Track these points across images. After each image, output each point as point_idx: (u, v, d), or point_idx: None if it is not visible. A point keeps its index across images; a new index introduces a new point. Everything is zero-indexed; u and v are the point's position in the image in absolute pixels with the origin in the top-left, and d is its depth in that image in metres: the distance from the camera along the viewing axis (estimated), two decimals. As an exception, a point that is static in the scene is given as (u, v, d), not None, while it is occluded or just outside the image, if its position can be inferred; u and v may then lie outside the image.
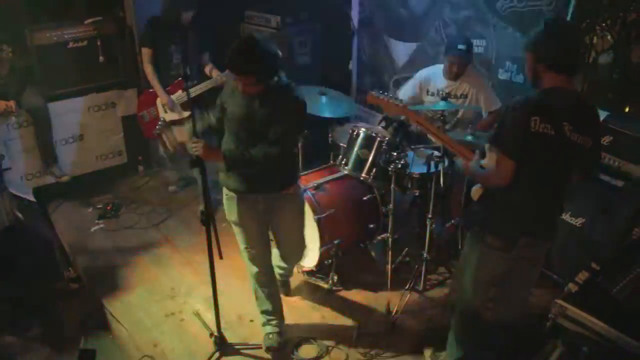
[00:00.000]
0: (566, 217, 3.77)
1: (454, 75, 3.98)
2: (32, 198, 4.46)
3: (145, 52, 4.58)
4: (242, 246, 3.33)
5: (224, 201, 3.27)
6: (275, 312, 3.49)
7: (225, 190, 3.23)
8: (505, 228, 2.57)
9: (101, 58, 5.05)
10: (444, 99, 3.72)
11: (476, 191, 2.65)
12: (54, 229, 4.43)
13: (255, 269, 3.36)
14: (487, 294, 2.71)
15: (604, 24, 3.95)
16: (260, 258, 3.35)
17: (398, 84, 5.27)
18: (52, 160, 5.02)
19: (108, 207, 5.00)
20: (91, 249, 4.52)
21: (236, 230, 3.29)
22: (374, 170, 3.74)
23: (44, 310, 3.73)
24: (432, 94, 4.16)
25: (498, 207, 2.58)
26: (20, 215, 4.00)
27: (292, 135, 3.07)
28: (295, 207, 3.33)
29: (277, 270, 3.68)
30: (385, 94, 2.96)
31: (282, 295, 3.74)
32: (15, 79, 4.68)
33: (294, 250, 3.53)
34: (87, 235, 4.70)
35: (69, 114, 5.06)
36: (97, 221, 4.87)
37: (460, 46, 3.87)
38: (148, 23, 4.63)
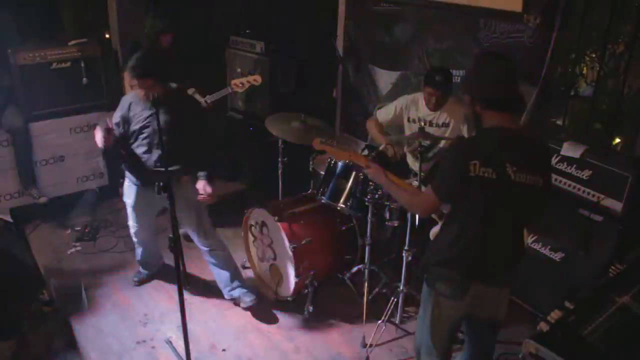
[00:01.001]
0: (545, 251, 3.75)
1: (433, 105, 3.95)
2: (9, 218, 4.41)
3: (126, 77, 4.57)
4: (129, 222, 4.02)
5: (125, 186, 3.89)
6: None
7: (128, 179, 3.84)
8: (453, 274, 2.50)
9: (85, 80, 5.03)
10: (422, 128, 3.68)
11: (433, 233, 2.62)
12: (30, 251, 4.37)
13: (134, 239, 4.10)
14: (447, 341, 2.67)
15: (593, 55, 3.97)
16: (141, 233, 4.04)
17: (381, 112, 5.27)
18: (30, 181, 4.96)
19: (86, 230, 4.94)
20: (66, 272, 4.45)
21: (129, 210, 3.95)
22: (350, 200, 3.70)
23: (16, 332, 3.65)
24: (413, 121, 4.12)
25: (446, 252, 2.52)
26: (-5, 236, 3.94)
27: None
28: (191, 191, 3.71)
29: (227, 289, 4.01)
30: (331, 140, 2.99)
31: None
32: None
33: (197, 229, 3.87)
34: (63, 258, 4.63)
35: (50, 135, 5.02)
36: (74, 244, 4.80)
37: (438, 77, 3.84)
38: (129, 48, 4.63)
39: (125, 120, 3.64)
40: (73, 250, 4.74)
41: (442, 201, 2.40)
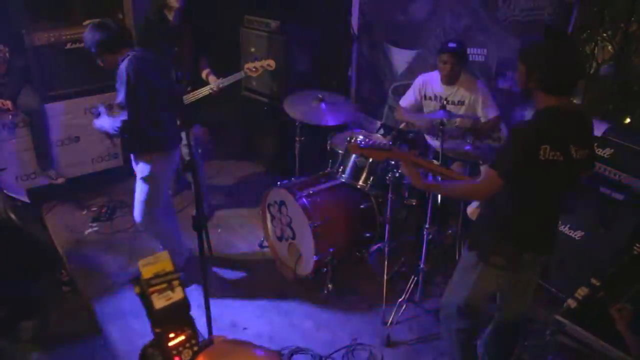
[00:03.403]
0: (565, 229, 3.74)
1: (447, 76, 3.94)
2: (26, 199, 4.42)
3: None
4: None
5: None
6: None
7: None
8: (509, 248, 2.56)
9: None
10: (443, 106, 3.68)
11: (473, 211, 2.64)
12: (48, 231, 4.39)
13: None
14: (481, 305, 2.76)
15: (604, 35, 3.93)
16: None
17: (397, 91, 5.24)
18: (47, 162, 4.97)
19: (102, 210, 4.96)
20: (84, 252, 4.47)
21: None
22: (371, 178, 3.70)
23: (36, 313, 3.68)
24: (430, 98, 4.14)
25: (501, 227, 2.57)
26: (13, 216, 3.94)
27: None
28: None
29: None
30: (366, 141, 2.94)
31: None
32: (12, 79, 4.64)
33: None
34: (80, 238, 4.65)
35: (65, 116, 5.02)
36: (90, 224, 4.82)
37: (451, 44, 3.86)
38: (140, 25, 4.57)
39: None
40: (90, 230, 4.76)
41: (506, 183, 2.39)
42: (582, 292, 2.58)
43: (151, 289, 1.24)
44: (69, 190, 5.11)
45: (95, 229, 4.77)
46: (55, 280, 3.91)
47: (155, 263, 1.27)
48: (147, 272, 1.25)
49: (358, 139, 3.72)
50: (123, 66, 3.41)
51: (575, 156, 2.38)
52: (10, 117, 4.67)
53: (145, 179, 3.69)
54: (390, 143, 3.74)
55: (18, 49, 4.70)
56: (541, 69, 2.36)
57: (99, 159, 5.33)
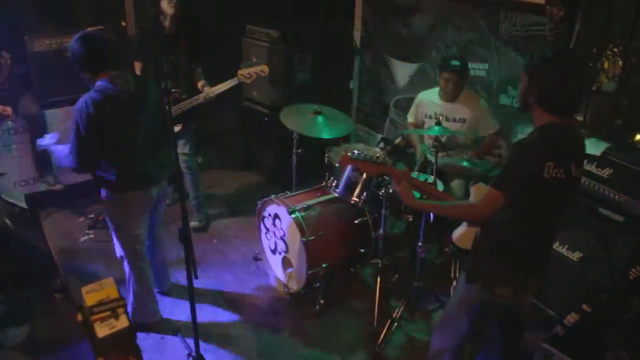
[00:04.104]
0: (563, 250, 3.65)
1: (449, 94, 3.89)
2: (23, 205, 4.42)
3: (136, 66, 4.47)
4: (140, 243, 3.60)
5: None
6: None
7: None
8: (517, 276, 2.45)
9: (100, 67, 4.99)
10: (438, 123, 3.62)
11: (459, 238, 2.54)
12: (44, 238, 4.38)
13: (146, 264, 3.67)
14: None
15: (615, 50, 3.86)
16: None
17: (399, 104, 5.19)
18: (46, 168, 4.97)
19: (99, 217, 4.94)
20: (79, 259, 4.45)
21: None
22: (364, 194, 3.64)
23: (27, 319, 3.66)
24: (430, 117, 4.09)
25: (506, 254, 2.44)
26: (9, 222, 3.94)
27: None
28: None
29: None
30: (359, 152, 2.80)
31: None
32: (12, 86, 4.65)
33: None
34: (76, 245, 4.64)
35: (65, 122, 5.01)
36: (87, 231, 4.81)
37: (454, 62, 3.81)
38: (136, 35, 4.52)
39: None
40: (86, 237, 4.75)
41: (509, 203, 2.29)
42: (571, 318, 2.51)
43: (94, 317, 1.18)
44: (66, 197, 5.11)
45: (92, 236, 4.76)
46: (49, 287, 3.90)
47: (99, 290, 1.22)
48: (90, 299, 1.21)
49: (354, 152, 3.70)
50: (83, 103, 3.18)
51: (575, 174, 2.32)
52: (10, 123, 4.69)
53: (107, 215, 3.55)
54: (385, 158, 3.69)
55: (19, 55, 4.72)
56: (541, 86, 2.29)
57: (98, 166, 5.31)
